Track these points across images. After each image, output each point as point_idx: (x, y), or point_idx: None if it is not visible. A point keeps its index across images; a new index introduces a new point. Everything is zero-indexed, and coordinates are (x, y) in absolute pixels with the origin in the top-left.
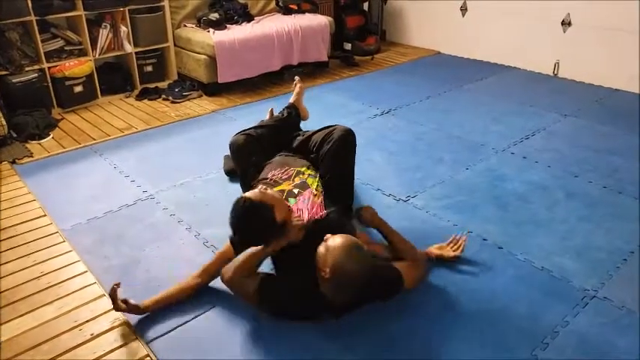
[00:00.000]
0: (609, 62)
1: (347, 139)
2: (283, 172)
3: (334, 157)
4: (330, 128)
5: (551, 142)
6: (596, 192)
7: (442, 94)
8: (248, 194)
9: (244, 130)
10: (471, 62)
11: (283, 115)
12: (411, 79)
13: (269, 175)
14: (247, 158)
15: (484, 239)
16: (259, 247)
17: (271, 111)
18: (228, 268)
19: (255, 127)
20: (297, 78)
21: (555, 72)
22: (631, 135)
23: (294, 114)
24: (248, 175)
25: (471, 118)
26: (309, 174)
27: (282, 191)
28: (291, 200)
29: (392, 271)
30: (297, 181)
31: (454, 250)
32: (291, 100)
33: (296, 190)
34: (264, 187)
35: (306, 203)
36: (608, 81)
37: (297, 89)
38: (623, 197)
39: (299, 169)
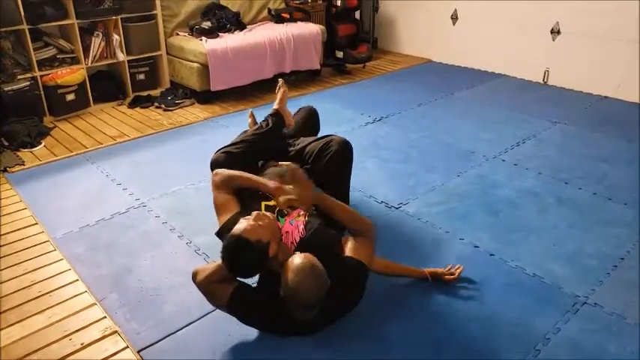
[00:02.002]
0: (598, 70)
1: (345, 151)
2: None
3: (333, 169)
4: (327, 139)
5: (542, 149)
6: (586, 198)
7: (433, 102)
8: (244, 231)
9: (224, 148)
10: (462, 70)
11: (268, 124)
12: (403, 87)
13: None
14: None
15: (476, 246)
16: None
17: (251, 114)
18: (203, 270)
19: (235, 144)
20: (280, 81)
21: (545, 80)
22: (620, 142)
23: (278, 122)
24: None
25: (462, 126)
26: None
27: (274, 207)
28: (281, 220)
29: (353, 274)
30: None
31: (450, 276)
32: (275, 105)
33: (286, 210)
34: (260, 215)
35: (293, 224)
36: (596, 88)
37: (280, 94)
38: (612, 204)
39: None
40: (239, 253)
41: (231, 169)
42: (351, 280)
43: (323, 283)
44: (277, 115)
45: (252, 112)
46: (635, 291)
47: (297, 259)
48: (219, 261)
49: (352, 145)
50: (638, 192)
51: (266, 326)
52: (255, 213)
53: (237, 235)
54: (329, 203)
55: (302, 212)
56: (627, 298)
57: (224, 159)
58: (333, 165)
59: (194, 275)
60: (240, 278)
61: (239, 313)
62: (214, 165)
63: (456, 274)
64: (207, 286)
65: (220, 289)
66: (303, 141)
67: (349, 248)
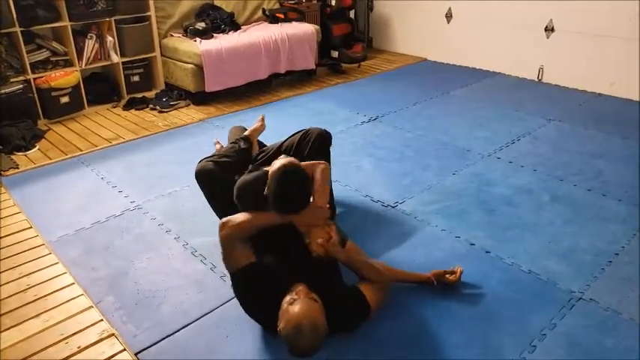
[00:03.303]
0: (591, 67)
1: (325, 137)
2: None
3: (316, 155)
4: (303, 131)
5: (537, 146)
6: (580, 195)
7: (429, 101)
8: (291, 162)
9: (209, 158)
10: (457, 69)
11: (240, 146)
12: (398, 86)
13: None
14: (216, 184)
15: (472, 244)
16: (269, 213)
17: (217, 141)
18: (230, 223)
19: (217, 155)
20: (261, 115)
21: (539, 77)
22: (614, 138)
23: (247, 148)
24: (219, 199)
25: (457, 124)
26: None
27: None
28: None
29: (357, 311)
30: None
31: (451, 275)
32: (248, 132)
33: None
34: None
35: None
36: (590, 86)
37: (258, 125)
38: (607, 200)
39: None
40: (296, 178)
41: (221, 176)
42: (352, 315)
43: (320, 337)
44: (248, 141)
45: (217, 139)
46: (629, 286)
47: (297, 307)
48: (244, 216)
49: (342, 140)
50: (632, 188)
51: (256, 314)
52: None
53: (290, 162)
54: (354, 257)
55: None
56: (622, 294)
57: (213, 166)
58: (315, 151)
59: (221, 226)
60: (285, 209)
61: (241, 287)
62: (202, 173)
63: (457, 272)
64: (230, 240)
65: (240, 251)
66: (275, 144)
67: (366, 287)
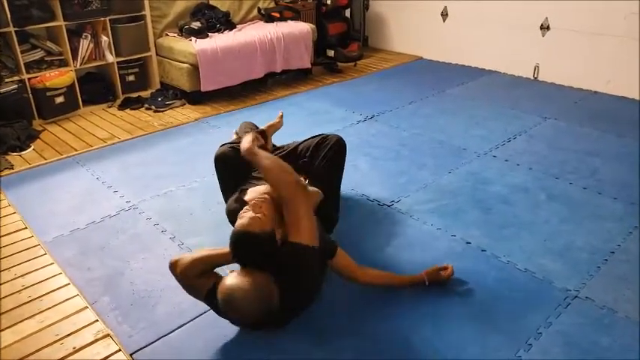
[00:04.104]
0: (587, 65)
1: (342, 146)
2: None
3: (331, 160)
4: (322, 135)
5: (532, 144)
6: (576, 193)
7: (425, 99)
8: (248, 225)
9: (228, 144)
10: (453, 67)
11: None
12: (394, 85)
13: None
14: (232, 169)
15: (467, 242)
16: (227, 251)
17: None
18: (181, 264)
19: (237, 143)
20: (280, 112)
21: (535, 75)
22: (610, 136)
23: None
24: (232, 185)
25: (453, 123)
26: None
27: None
28: None
29: (293, 265)
30: None
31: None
32: (264, 126)
33: None
34: (258, 203)
35: None
36: (586, 83)
37: (275, 121)
38: (602, 198)
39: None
40: (249, 247)
41: (238, 162)
42: (296, 272)
43: (256, 307)
44: (264, 136)
45: (235, 131)
46: (625, 284)
47: (230, 279)
48: (195, 254)
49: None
50: (628, 186)
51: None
52: (252, 203)
53: (242, 231)
54: (257, 159)
55: None
56: (618, 292)
57: (234, 153)
58: (331, 157)
59: (172, 265)
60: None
61: (215, 307)
62: (222, 158)
63: (449, 268)
64: (186, 280)
65: (199, 283)
66: (290, 145)
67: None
